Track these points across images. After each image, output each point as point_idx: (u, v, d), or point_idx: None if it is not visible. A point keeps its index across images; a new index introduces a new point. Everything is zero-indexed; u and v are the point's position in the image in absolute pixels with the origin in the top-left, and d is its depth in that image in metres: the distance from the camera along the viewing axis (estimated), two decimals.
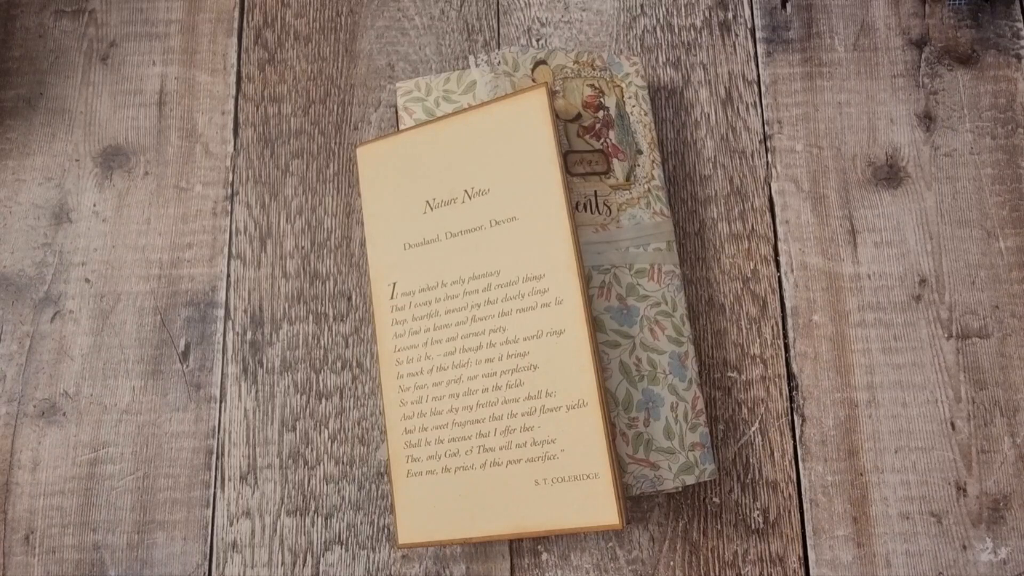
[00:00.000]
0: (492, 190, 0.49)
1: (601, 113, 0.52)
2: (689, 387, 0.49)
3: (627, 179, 0.51)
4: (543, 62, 0.52)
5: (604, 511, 0.43)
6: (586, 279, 0.47)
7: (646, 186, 0.52)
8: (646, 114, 0.54)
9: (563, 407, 0.45)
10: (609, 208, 0.50)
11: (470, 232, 0.49)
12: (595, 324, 0.48)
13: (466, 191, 0.49)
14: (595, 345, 0.45)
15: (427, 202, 0.50)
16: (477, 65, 0.52)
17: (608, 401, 0.47)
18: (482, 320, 0.47)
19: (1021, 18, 0.60)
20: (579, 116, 0.51)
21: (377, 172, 0.52)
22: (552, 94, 0.50)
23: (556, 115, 0.50)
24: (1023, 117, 0.58)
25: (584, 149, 0.51)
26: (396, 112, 0.57)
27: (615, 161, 0.51)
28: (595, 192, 0.50)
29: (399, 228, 0.51)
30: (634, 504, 0.52)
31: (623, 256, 0.49)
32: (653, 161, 0.53)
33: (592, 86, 0.52)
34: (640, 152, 0.52)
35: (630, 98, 0.53)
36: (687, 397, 0.49)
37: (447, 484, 0.47)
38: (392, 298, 0.50)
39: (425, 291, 0.49)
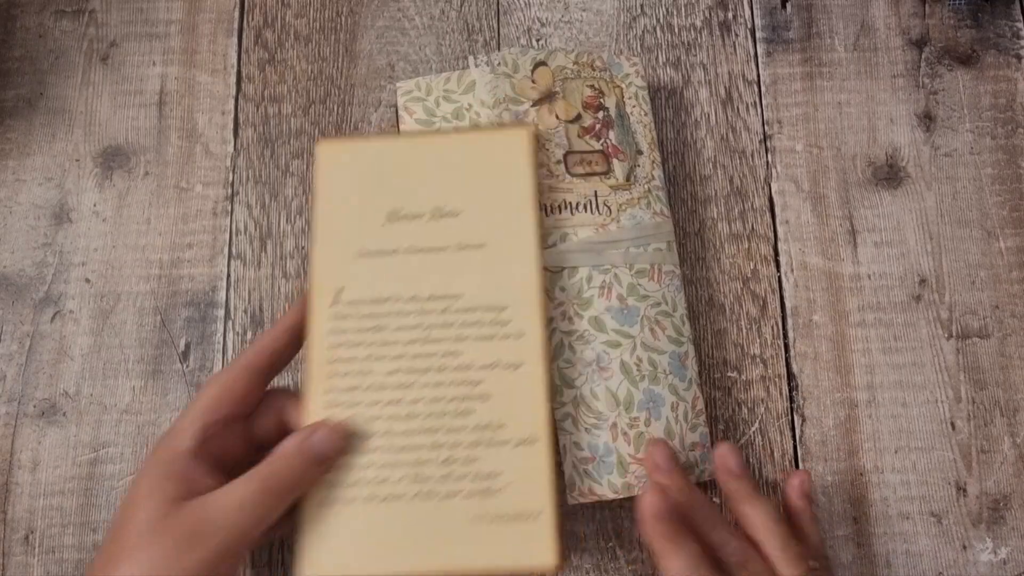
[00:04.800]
0: (462, 214, 0.47)
1: (601, 114, 0.52)
2: (689, 387, 0.49)
3: (627, 179, 0.51)
4: (543, 63, 0.52)
5: (542, 551, 0.41)
6: (548, 317, 0.47)
7: (646, 186, 0.52)
8: (646, 114, 0.54)
9: (512, 441, 0.43)
10: (609, 208, 0.50)
11: (434, 251, 0.46)
12: (600, 324, 0.48)
13: (434, 209, 0.47)
14: (551, 382, 0.45)
15: (389, 213, 0.47)
16: (477, 65, 0.52)
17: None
18: (436, 342, 0.45)
19: (1021, 18, 0.60)
20: (579, 117, 0.52)
21: (338, 172, 0.49)
22: (537, 138, 0.49)
23: (537, 152, 0.49)
24: (1023, 117, 0.58)
25: (584, 149, 0.51)
26: (396, 112, 0.57)
27: (615, 161, 0.51)
28: (595, 192, 0.50)
29: (354, 234, 0.47)
30: (634, 504, 0.52)
31: (624, 256, 0.49)
32: (653, 161, 0.53)
33: (592, 87, 0.52)
34: (640, 152, 0.52)
35: (630, 99, 0.53)
36: (687, 397, 0.49)
37: (371, 513, 0.43)
38: (333, 304, 0.46)
39: (375, 303, 0.46)
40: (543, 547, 0.41)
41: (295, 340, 0.46)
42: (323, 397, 0.44)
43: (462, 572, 0.42)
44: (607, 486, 0.46)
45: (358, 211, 0.48)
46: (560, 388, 0.47)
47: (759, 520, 0.43)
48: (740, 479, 0.44)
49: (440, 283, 0.46)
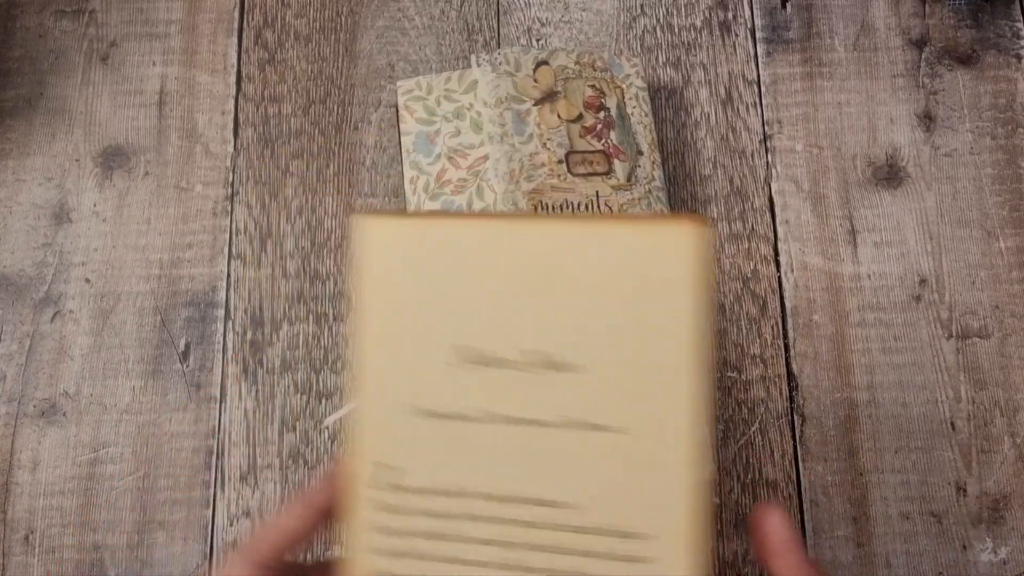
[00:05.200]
0: (582, 371, 0.29)
1: (602, 114, 0.52)
2: None
3: (628, 180, 0.51)
4: (545, 62, 0.52)
5: None
6: (711, 558, 0.30)
7: (647, 187, 0.52)
8: (646, 115, 0.54)
9: None
10: (611, 208, 0.50)
11: (535, 426, 0.29)
12: None
13: (536, 355, 0.29)
14: None
15: (463, 350, 0.30)
16: (479, 64, 0.52)
17: None
18: (528, 573, 0.29)
19: (1021, 18, 0.60)
20: (580, 116, 0.51)
21: (393, 270, 0.30)
22: (710, 242, 0.30)
23: (712, 266, 0.31)
24: (1023, 117, 0.58)
25: (586, 149, 0.51)
26: (396, 111, 0.57)
27: (616, 162, 0.51)
28: (597, 192, 0.50)
29: (411, 378, 0.30)
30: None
31: None
32: (653, 162, 0.53)
33: (594, 87, 0.52)
34: (641, 153, 0.52)
35: (631, 99, 0.53)
36: None
37: None
38: (378, 488, 0.30)
39: (442, 497, 0.29)
40: None
41: (322, 523, 0.32)
42: None
43: None
44: None
45: (417, 341, 0.30)
46: None
47: None
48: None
49: (546, 481, 0.29)
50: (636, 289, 0.29)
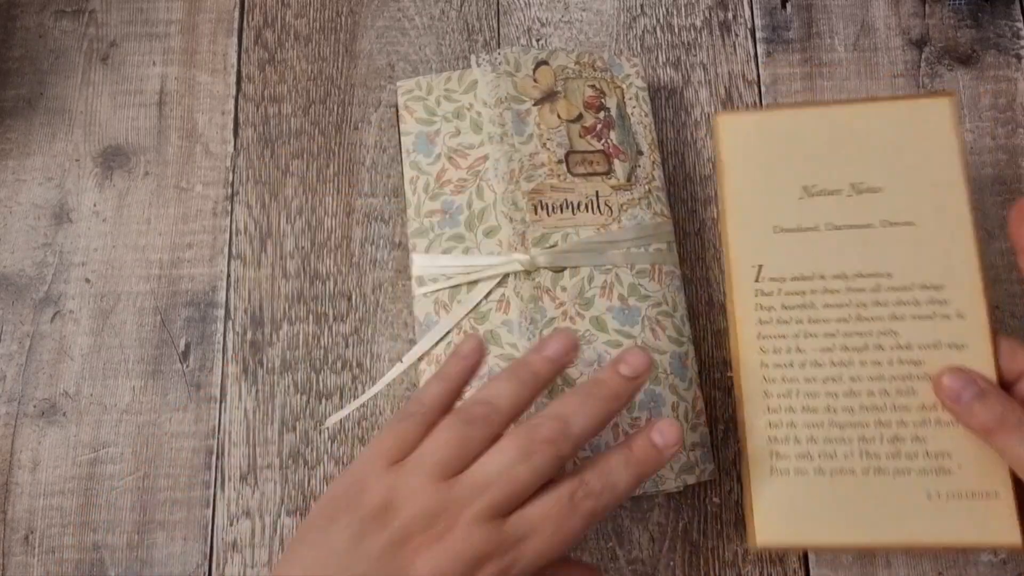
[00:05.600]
0: (885, 190, 0.45)
1: (602, 114, 0.52)
2: (690, 387, 0.49)
3: (628, 180, 0.51)
4: (545, 62, 0.52)
5: (1004, 530, 0.41)
6: (991, 302, 0.44)
7: (647, 187, 0.52)
8: (646, 115, 0.54)
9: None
10: (611, 208, 0.50)
11: (857, 228, 0.45)
12: (601, 324, 0.48)
13: (852, 185, 0.46)
14: (999, 364, 0.43)
15: (804, 188, 0.46)
16: (479, 65, 0.52)
17: None
18: (869, 321, 0.44)
19: (1021, 18, 0.60)
20: (580, 116, 0.52)
21: (742, 145, 0.48)
22: (959, 107, 0.47)
23: (961, 122, 0.47)
24: (1023, 117, 0.58)
25: (586, 149, 0.51)
26: (396, 111, 0.57)
27: (616, 162, 0.51)
28: (597, 192, 0.50)
29: (767, 209, 0.47)
30: (634, 504, 0.52)
31: (625, 256, 0.49)
32: (653, 162, 0.53)
33: (593, 87, 0.52)
34: (641, 153, 0.52)
35: (631, 99, 0.53)
36: (688, 397, 0.49)
37: (821, 486, 0.43)
38: (757, 281, 0.46)
39: (798, 280, 0.45)
40: (1006, 524, 0.41)
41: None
42: (756, 372, 0.45)
43: (921, 546, 0.44)
44: None
45: (770, 186, 0.47)
46: (562, 388, 0.47)
47: None
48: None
49: (867, 261, 0.45)
50: (913, 136, 0.46)
